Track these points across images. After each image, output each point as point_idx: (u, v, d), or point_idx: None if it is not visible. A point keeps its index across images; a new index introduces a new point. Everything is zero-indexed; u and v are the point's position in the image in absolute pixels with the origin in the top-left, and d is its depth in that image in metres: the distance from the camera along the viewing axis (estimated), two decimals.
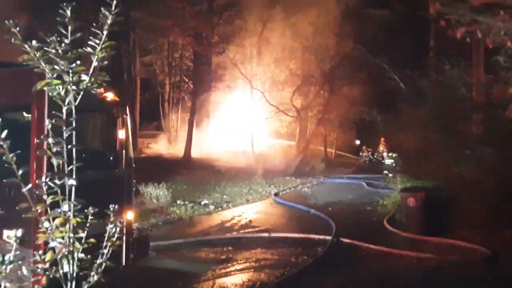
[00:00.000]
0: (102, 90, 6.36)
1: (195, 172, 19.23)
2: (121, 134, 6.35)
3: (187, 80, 27.10)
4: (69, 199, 2.25)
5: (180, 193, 14.71)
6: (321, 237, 10.18)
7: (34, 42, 2.14)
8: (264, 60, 25.47)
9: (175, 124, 29.09)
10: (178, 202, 13.51)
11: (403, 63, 14.74)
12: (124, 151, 6.49)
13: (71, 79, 2.19)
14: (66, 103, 2.20)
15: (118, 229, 2.54)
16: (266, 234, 10.58)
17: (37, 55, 2.15)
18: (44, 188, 2.20)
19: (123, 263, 6.53)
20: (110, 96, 6.39)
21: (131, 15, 23.65)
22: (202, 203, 14.02)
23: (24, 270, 2.18)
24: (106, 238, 2.47)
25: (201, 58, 25.39)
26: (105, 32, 2.26)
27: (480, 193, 9.52)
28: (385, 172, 19.64)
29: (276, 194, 16.34)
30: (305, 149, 25.09)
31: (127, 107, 6.55)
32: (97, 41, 2.28)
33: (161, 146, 27.00)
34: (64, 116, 2.20)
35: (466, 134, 10.92)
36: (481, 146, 10.08)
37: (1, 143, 2.13)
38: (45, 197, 2.20)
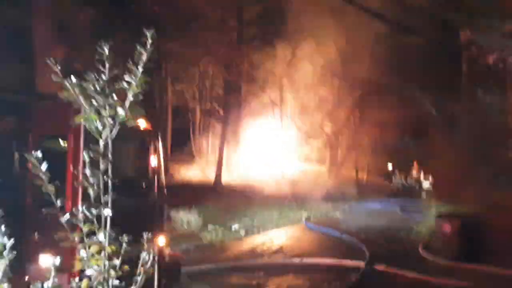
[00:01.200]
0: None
1: (225, 197, 19.27)
2: (153, 161, 6.48)
3: (217, 107, 27.50)
4: (105, 228, 2.32)
5: (211, 218, 14.72)
6: (355, 263, 10.01)
7: (73, 78, 2.26)
8: (293, 86, 25.63)
9: (205, 150, 29.39)
10: (209, 227, 13.55)
11: (435, 89, 14.63)
12: (156, 179, 6.60)
13: (108, 113, 2.30)
14: (103, 136, 2.30)
15: (152, 256, 2.59)
16: (297, 260, 10.48)
17: (76, 91, 2.26)
18: (81, 217, 2.28)
19: None
20: (142, 124, 6.55)
21: (162, 45, 24.28)
22: (233, 228, 14.02)
23: None
24: (140, 265, 2.52)
25: (231, 86, 25.75)
26: (140, 69, 2.37)
27: None
28: (423, 196, 19.31)
29: (307, 219, 16.18)
30: (335, 174, 24.87)
31: (159, 135, 6.69)
32: (133, 77, 2.39)
33: (192, 172, 27.24)
34: (102, 149, 2.30)
35: (502, 160, 10.66)
36: None
37: (41, 174, 2.23)
38: (81, 225, 2.28)
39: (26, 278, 5.50)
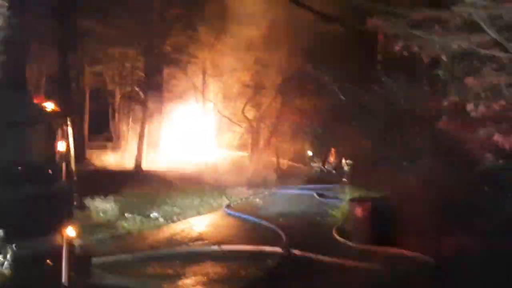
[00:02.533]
0: (41, 100, 6.15)
1: (145, 184, 18.75)
2: (60, 146, 6.12)
3: (138, 91, 26.62)
4: None
5: (129, 206, 14.26)
6: (272, 249, 10.18)
7: None
8: (216, 71, 25.43)
9: (126, 135, 28.45)
10: (127, 215, 13.12)
11: (351, 77, 15.15)
12: (64, 164, 6.24)
13: None
14: None
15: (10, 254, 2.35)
16: (216, 247, 10.47)
17: None
18: None
19: (65, 282, 6.24)
20: (49, 106, 6.16)
21: (78, 24, 23.08)
22: (152, 216, 13.71)
23: None
24: None
25: (153, 69, 25.02)
26: None
27: (423, 203, 9.83)
28: (344, 179, 20.15)
29: (227, 206, 16.22)
30: (257, 160, 25.14)
31: (68, 118, 6.32)
32: None
33: (111, 158, 26.29)
34: None
35: (407, 146, 11.32)
36: (418, 158, 10.47)
37: None
38: None
39: None
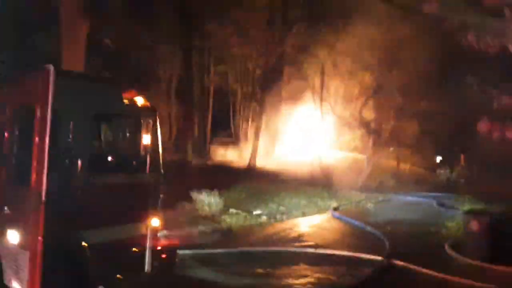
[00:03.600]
0: (132, 95, 6.39)
1: (257, 181, 19.00)
2: (148, 139, 6.31)
3: (258, 90, 27.17)
4: None
5: (236, 202, 14.53)
6: (372, 257, 9.54)
7: None
8: (336, 71, 24.82)
9: (245, 133, 29.25)
10: (231, 210, 13.36)
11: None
12: (152, 156, 6.42)
13: None
14: None
15: None
16: (312, 250, 10.12)
17: None
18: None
19: (148, 271, 6.43)
20: (139, 100, 6.39)
21: (205, 27, 24.20)
22: (256, 213, 13.77)
23: None
24: None
25: (272, 69, 25.33)
26: None
27: None
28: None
29: (335, 209, 15.68)
30: (374, 164, 24.00)
31: (157, 113, 6.49)
32: None
33: (230, 154, 27.23)
34: None
35: None
36: None
37: None
38: None
39: None
